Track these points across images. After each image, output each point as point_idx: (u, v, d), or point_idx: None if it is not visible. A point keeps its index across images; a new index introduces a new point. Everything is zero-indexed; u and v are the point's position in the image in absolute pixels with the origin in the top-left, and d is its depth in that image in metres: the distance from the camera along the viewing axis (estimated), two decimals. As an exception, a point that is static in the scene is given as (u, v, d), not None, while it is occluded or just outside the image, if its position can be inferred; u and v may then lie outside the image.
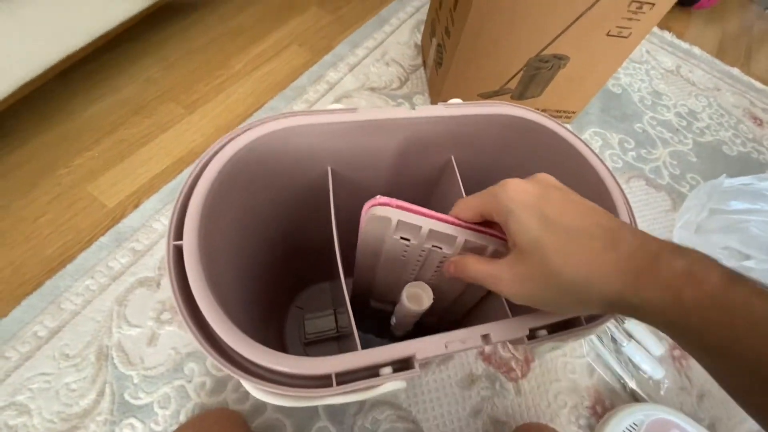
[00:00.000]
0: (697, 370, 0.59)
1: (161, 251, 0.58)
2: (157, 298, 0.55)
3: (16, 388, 0.47)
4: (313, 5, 0.95)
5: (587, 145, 0.33)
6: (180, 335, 0.53)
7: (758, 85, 0.97)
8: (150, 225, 0.60)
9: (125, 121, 0.71)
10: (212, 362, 0.50)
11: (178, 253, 0.22)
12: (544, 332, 0.24)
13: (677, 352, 0.60)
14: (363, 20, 0.93)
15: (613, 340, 0.59)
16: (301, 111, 0.28)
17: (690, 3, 1.12)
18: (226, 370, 0.20)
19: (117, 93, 0.74)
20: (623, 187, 0.72)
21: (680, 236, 0.60)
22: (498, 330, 0.23)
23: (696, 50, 1.02)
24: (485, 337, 0.23)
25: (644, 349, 0.57)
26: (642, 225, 0.71)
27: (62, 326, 0.51)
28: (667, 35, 1.03)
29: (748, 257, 0.64)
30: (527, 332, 0.23)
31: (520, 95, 0.74)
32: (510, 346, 0.57)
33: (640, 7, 0.58)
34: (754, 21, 1.20)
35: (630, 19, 0.60)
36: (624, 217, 0.29)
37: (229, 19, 0.88)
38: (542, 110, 0.78)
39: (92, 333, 0.51)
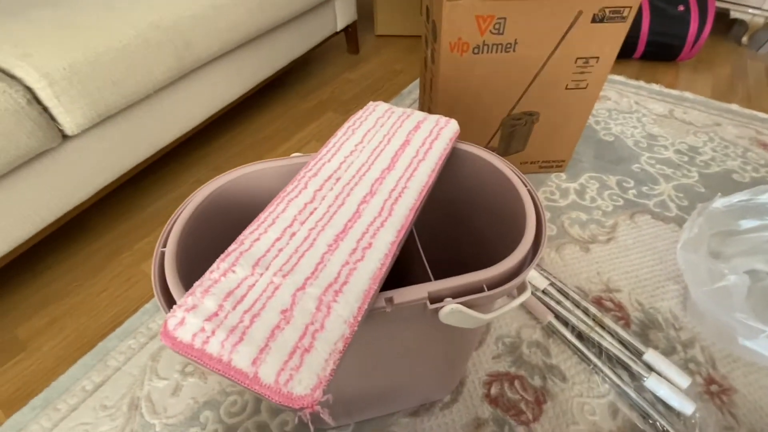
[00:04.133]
0: (743, 406, 0.52)
1: (191, 312, 0.66)
2: (184, 353, 0.61)
3: (61, 437, 0.54)
4: (329, 111, 1.15)
5: (503, 161, 0.39)
6: (200, 385, 0.58)
7: (762, 115, 0.97)
8: (185, 291, 0.70)
9: (176, 212, 0.87)
10: (224, 408, 0.54)
11: (162, 256, 0.30)
12: (449, 299, 0.27)
13: (715, 387, 0.54)
14: (370, 114, 1.10)
15: (632, 375, 0.54)
16: (270, 159, 0.38)
17: (673, 57, 1.19)
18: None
19: (173, 192, 0.92)
20: (627, 223, 0.73)
21: (682, 257, 0.58)
22: (401, 294, 0.27)
23: (688, 95, 1.06)
24: (389, 300, 0.27)
25: (668, 382, 0.52)
26: (653, 257, 0.70)
27: (105, 380, 0.59)
28: (656, 87, 1.10)
29: (776, 277, 0.60)
30: (426, 294, 0.27)
31: (504, 151, 0.82)
32: (518, 385, 0.55)
33: (587, 62, 0.67)
34: (747, 63, 1.24)
35: (582, 72, 0.68)
36: (531, 219, 0.32)
37: (262, 129, 1.09)
38: (531, 162, 0.85)
39: (128, 386, 0.58)
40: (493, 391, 0.55)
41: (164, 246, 0.30)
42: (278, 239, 0.27)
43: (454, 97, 0.71)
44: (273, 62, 1.00)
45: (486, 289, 0.28)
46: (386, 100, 1.15)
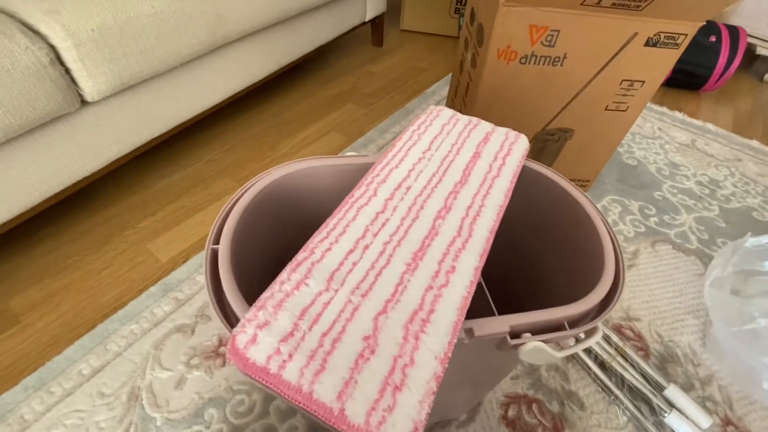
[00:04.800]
0: (761, 451, 0.52)
1: (200, 300, 0.63)
2: (190, 344, 0.59)
3: (53, 422, 0.51)
4: (350, 102, 1.12)
5: (575, 187, 0.37)
6: (205, 380, 0.55)
7: (783, 155, 0.98)
8: (193, 278, 0.67)
9: (186, 192, 0.83)
10: (231, 407, 0.52)
11: (214, 254, 0.27)
12: (528, 334, 0.25)
13: (732, 429, 0.53)
14: (391, 112, 1.08)
15: (652, 410, 0.54)
16: (321, 156, 0.35)
17: (696, 87, 1.19)
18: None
19: (184, 170, 0.88)
20: (648, 251, 0.72)
21: (710, 294, 0.58)
22: (481, 326, 0.25)
23: (710, 126, 1.06)
24: (468, 331, 0.25)
25: (689, 420, 0.51)
26: (673, 289, 0.69)
27: (104, 365, 0.56)
28: (678, 114, 1.09)
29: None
30: (508, 329, 0.25)
31: (532, 165, 0.80)
32: (535, 409, 0.54)
33: (632, 85, 0.65)
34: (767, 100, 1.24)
35: (624, 95, 0.67)
36: (609, 255, 0.30)
37: (280, 113, 1.05)
38: (556, 179, 0.83)
39: (128, 374, 0.55)
40: (511, 413, 0.54)
41: (216, 243, 0.27)
42: (351, 251, 0.25)
43: (492, 105, 0.69)
44: (300, 46, 0.97)
45: (567, 327, 0.26)
46: (409, 98, 1.12)
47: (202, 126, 0.98)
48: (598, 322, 0.27)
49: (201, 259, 0.69)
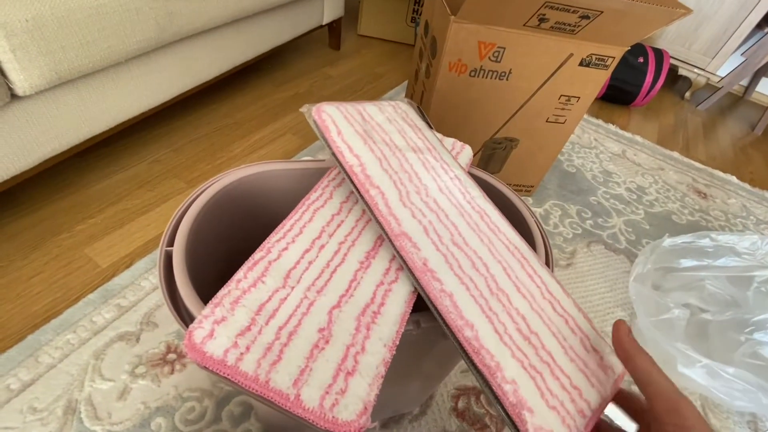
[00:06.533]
0: (674, 426, 0.58)
1: (146, 307, 0.61)
2: (135, 352, 0.56)
3: (-25, 444, 0.46)
4: (306, 105, 1.11)
5: (511, 190, 0.40)
6: (151, 389, 0.53)
7: (698, 165, 1.11)
8: (138, 283, 0.63)
9: (130, 194, 0.79)
10: (180, 415, 0.50)
11: (168, 256, 0.27)
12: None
13: (653, 408, 0.60)
14: (349, 115, 1.09)
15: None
16: (277, 160, 0.36)
17: (627, 103, 1.32)
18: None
19: (126, 171, 0.83)
20: (584, 251, 0.79)
21: (634, 288, 0.64)
22: (428, 317, 0.27)
23: (638, 138, 1.18)
24: (416, 323, 0.26)
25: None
26: (605, 284, 0.76)
27: (36, 379, 0.52)
28: (612, 127, 1.21)
29: (705, 311, 0.68)
30: None
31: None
32: (483, 400, 0.57)
33: (569, 100, 0.72)
34: (687, 116, 1.41)
35: (563, 108, 0.73)
36: (538, 237, 0.34)
37: (233, 114, 1.03)
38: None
39: (64, 386, 0.52)
40: (461, 404, 0.57)
41: (170, 245, 0.27)
42: (307, 251, 0.26)
43: (445, 114, 0.73)
44: (255, 46, 0.95)
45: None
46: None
47: (146, 125, 0.93)
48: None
49: (146, 263, 0.66)
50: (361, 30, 1.48)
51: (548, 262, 0.33)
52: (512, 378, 0.22)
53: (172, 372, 0.55)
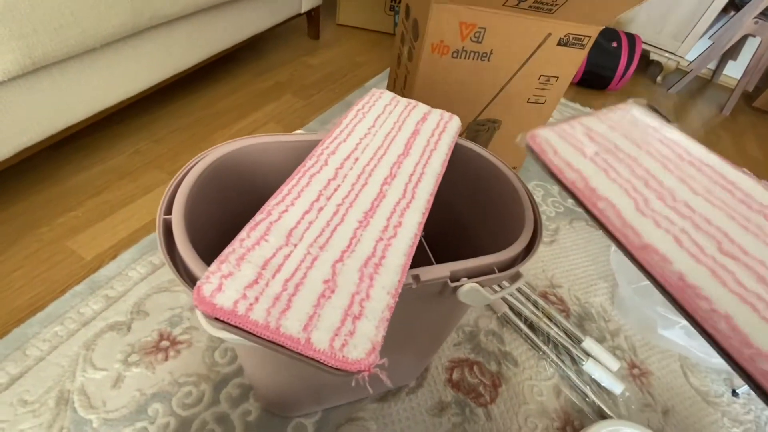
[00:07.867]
0: (658, 386, 0.62)
1: (135, 296, 0.60)
2: (127, 341, 0.55)
3: (-36, 440, 0.45)
4: (288, 93, 1.11)
5: (501, 161, 0.41)
6: (146, 376, 0.52)
7: (667, 145, 1.16)
8: (126, 273, 0.62)
9: (110, 186, 0.77)
10: (177, 399, 0.50)
11: (167, 224, 0.27)
12: (465, 279, 0.29)
13: (636, 371, 0.63)
14: (331, 104, 1.09)
15: (573, 360, 0.61)
16: (273, 134, 0.36)
17: (603, 87, 1.36)
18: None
19: (105, 162, 0.81)
20: (567, 228, 0.82)
21: (615, 259, 0.67)
22: (426, 272, 0.28)
23: (612, 121, 1.22)
24: (415, 277, 0.27)
25: (602, 366, 0.60)
26: (587, 258, 0.79)
27: (24, 372, 0.50)
28: (589, 111, 1.24)
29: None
30: (449, 273, 0.28)
31: (466, 153, 0.87)
32: (476, 370, 0.59)
33: (548, 80, 0.74)
34: (660, 99, 1.46)
35: (542, 89, 0.75)
36: (529, 213, 0.35)
37: (213, 104, 1.01)
38: (488, 166, 0.90)
39: (54, 378, 0.51)
40: (455, 376, 0.59)
41: (168, 213, 0.27)
42: (307, 212, 0.26)
43: (429, 96, 0.73)
44: (233, 34, 0.94)
45: (497, 271, 0.30)
46: (349, 91, 1.14)
47: (125, 115, 0.91)
48: (520, 268, 0.31)
49: (132, 254, 0.65)
50: (340, 19, 1.47)
51: (536, 226, 0.35)
52: None
53: (166, 359, 0.54)
